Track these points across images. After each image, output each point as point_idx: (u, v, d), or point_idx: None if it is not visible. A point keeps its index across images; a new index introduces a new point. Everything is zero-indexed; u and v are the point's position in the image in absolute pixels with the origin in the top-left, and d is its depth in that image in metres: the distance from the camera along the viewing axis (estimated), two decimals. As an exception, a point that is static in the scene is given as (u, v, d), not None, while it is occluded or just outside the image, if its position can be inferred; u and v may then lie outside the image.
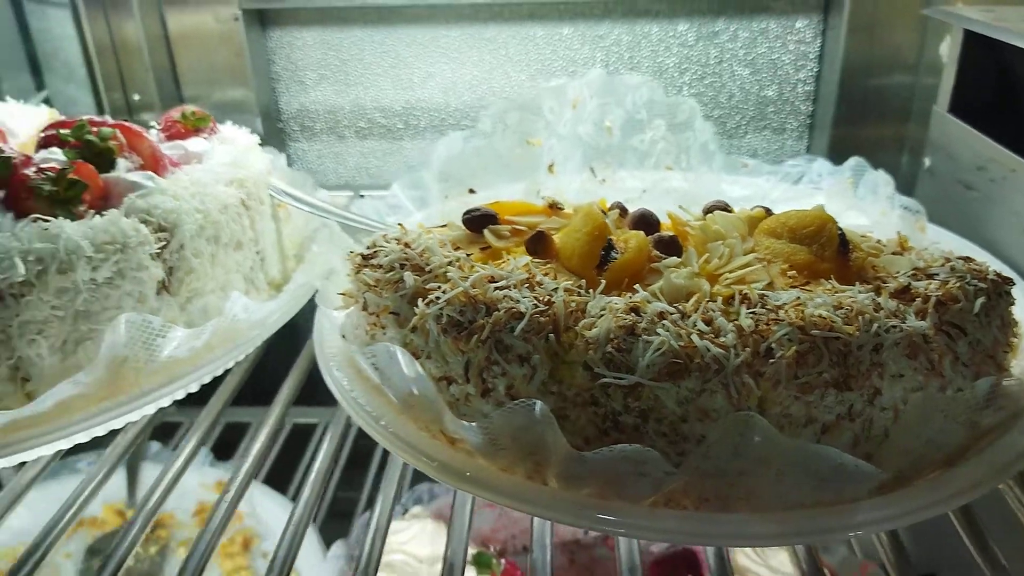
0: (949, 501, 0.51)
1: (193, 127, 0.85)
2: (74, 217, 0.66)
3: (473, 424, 0.53)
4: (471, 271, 0.59)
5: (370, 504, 1.22)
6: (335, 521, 1.26)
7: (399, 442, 0.58)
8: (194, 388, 0.70)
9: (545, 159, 0.94)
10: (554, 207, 0.72)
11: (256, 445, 0.72)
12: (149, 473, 1.23)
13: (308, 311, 0.81)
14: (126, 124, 0.77)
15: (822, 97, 1.35)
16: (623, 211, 0.70)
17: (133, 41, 1.25)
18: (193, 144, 0.82)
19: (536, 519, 0.62)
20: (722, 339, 0.51)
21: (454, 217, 0.94)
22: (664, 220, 0.70)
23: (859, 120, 1.31)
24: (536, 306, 0.54)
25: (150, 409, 0.67)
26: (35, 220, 0.63)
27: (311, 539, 1.13)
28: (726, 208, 0.69)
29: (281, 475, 1.36)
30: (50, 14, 1.72)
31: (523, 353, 0.53)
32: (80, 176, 0.67)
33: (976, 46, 0.93)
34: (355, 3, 1.27)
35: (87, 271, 0.62)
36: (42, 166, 0.67)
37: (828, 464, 0.48)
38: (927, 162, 1.02)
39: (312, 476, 0.68)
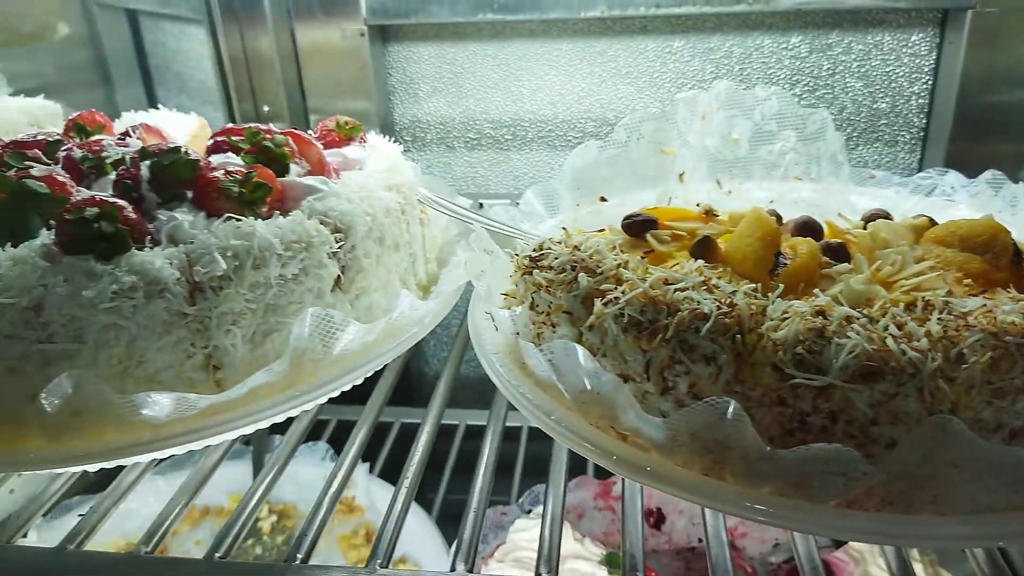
0: None
1: (347, 136, 0.90)
2: (258, 217, 0.70)
3: (659, 420, 0.55)
4: (646, 273, 0.61)
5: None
6: (453, 523, 1.29)
7: (575, 436, 0.60)
8: (359, 381, 0.74)
9: (676, 168, 0.96)
10: (709, 213, 0.73)
11: (415, 457, 0.75)
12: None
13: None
14: (295, 132, 0.81)
15: (937, 111, 1.33)
16: (778, 218, 0.71)
17: (266, 55, 1.32)
18: (351, 151, 0.86)
19: (708, 516, 0.63)
20: (916, 343, 0.51)
21: (585, 224, 0.97)
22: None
23: (976, 134, 1.29)
24: (719, 308, 0.56)
25: (323, 399, 0.71)
26: (228, 219, 0.68)
27: (435, 538, 1.16)
28: (887, 216, 0.70)
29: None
30: (167, 29, 1.82)
31: (709, 353, 0.55)
32: (263, 179, 0.72)
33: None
34: (472, 19, 1.32)
35: (277, 267, 0.66)
36: (228, 169, 0.72)
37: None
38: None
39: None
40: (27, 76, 1.74)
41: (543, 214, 0.97)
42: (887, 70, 1.33)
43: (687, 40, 1.34)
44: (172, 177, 0.71)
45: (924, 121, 1.36)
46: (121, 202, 0.65)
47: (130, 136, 0.84)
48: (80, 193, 0.72)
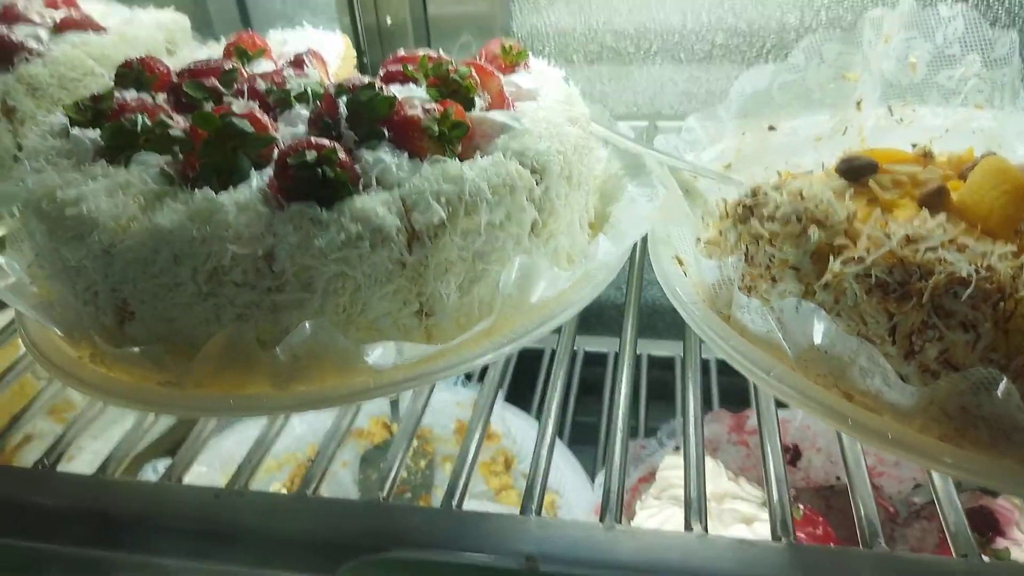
0: None
1: (513, 62, 0.86)
2: (455, 157, 0.69)
3: (910, 387, 0.54)
4: (884, 228, 0.58)
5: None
6: (582, 446, 1.33)
7: (802, 396, 0.60)
8: (553, 327, 0.74)
9: (855, 95, 0.91)
10: (927, 155, 0.70)
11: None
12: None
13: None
14: (476, 63, 0.78)
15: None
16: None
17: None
18: (522, 79, 0.83)
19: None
20: None
21: (749, 153, 0.93)
22: None
23: None
24: (978, 272, 0.54)
25: (521, 346, 0.71)
26: (435, 162, 0.66)
27: (575, 468, 1.20)
28: None
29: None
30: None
31: (968, 320, 0.54)
32: (460, 117, 0.70)
33: None
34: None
35: (487, 214, 0.65)
36: (425, 106, 0.70)
37: None
38: None
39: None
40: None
41: (705, 142, 0.94)
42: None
43: (835, -59, 1.24)
44: (369, 115, 0.69)
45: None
46: (338, 146, 0.64)
47: (306, 65, 0.81)
48: (279, 131, 0.71)
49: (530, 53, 0.89)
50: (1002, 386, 0.50)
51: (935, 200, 0.62)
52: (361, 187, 0.65)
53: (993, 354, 0.54)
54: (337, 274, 0.61)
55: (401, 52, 0.83)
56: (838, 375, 0.59)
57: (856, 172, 0.67)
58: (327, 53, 0.96)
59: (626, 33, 1.38)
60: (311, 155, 0.62)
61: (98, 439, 1.07)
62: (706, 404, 1.32)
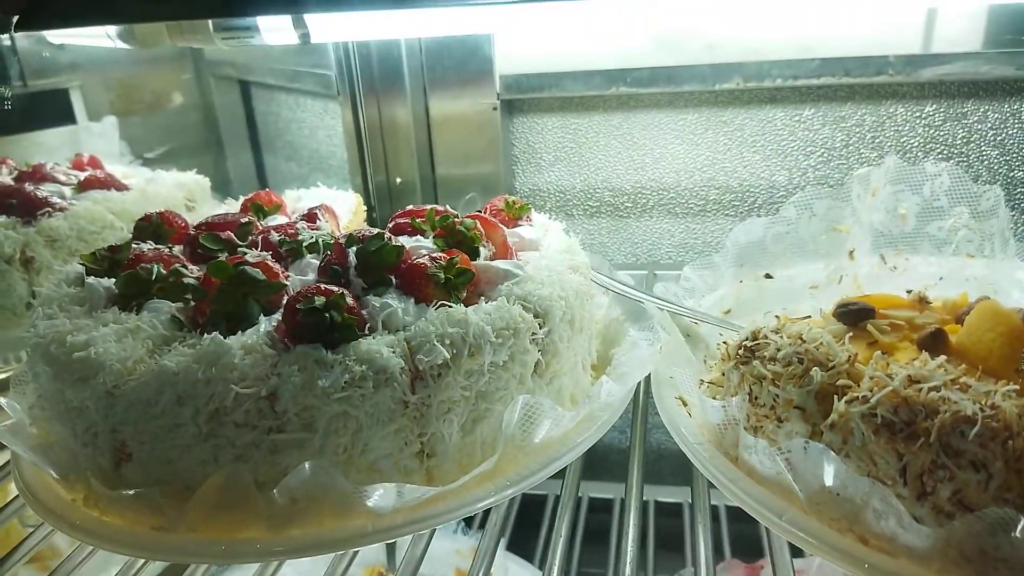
0: None
1: (516, 215, 0.91)
2: (460, 303, 0.71)
3: (926, 529, 0.52)
4: (886, 369, 0.59)
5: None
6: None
7: (816, 541, 0.58)
8: (556, 469, 0.73)
9: (847, 246, 0.94)
10: (923, 301, 0.71)
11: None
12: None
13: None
14: (480, 215, 0.82)
15: (1079, 179, 1.30)
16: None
17: (403, 126, 1.35)
18: (526, 232, 0.87)
19: None
20: None
21: (747, 300, 0.95)
22: None
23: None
24: (982, 409, 0.54)
25: (527, 488, 0.69)
26: (440, 306, 0.68)
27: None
28: (1119, 308, 0.67)
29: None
30: (279, 99, 1.89)
31: (978, 459, 0.53)
32: (465, 265, 0.72)
33: None
34: (604, 93, 1.34)
35: (490, 355, 0.66)
36: (432, 255, 0.73)
37: None
38: None
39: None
40: (142, 142, 1.83)
41: (703, 290, 0.97)
42: (1024, 139, 1.30)
43: (817, 108, 1.34)
44: (378, 263, 0.72)
45: (1065, 190, 1.32)
46: (346, 292, 0.66)
47: (319, 219, 0.86)
48: (289, 279, 0.73)
49: (532, 208, 0.94)
50: (1020, 527, 0.48)
51: (934, 342, 0.63)
52: (368, 331, 0.67)
53: (1008, 494, 0.53)
54: (339, 413, 0.61)
55: (410, 207, 0.88)
56: (852, 518, 0.57)
57: (854, 316, 0.69)
58: (339, 208, 1.01)
59: (623, 191, 1.46)
60: (320, 300, 0.64)
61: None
62: (717, 553, 1.26)
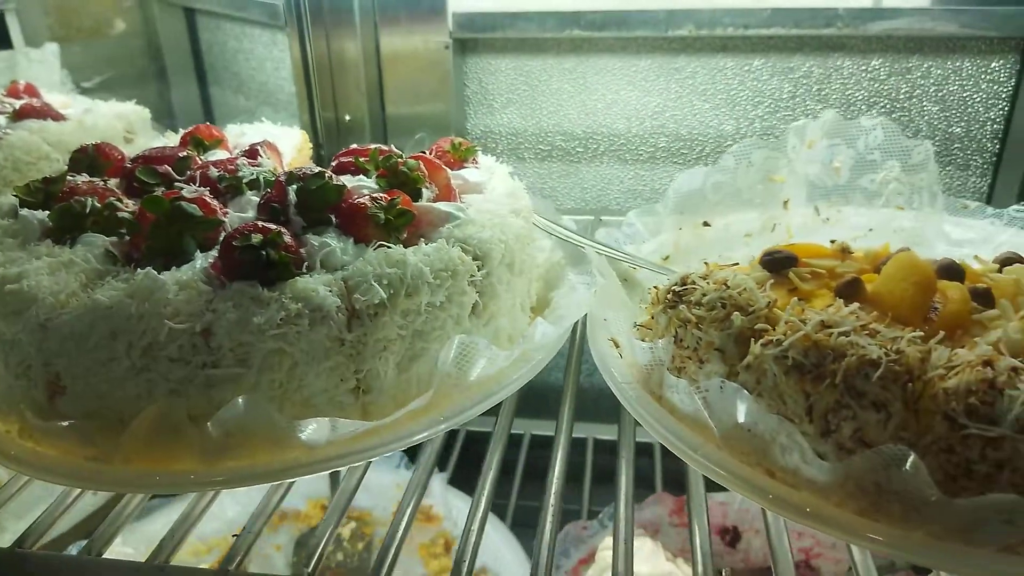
0: None
1: (462, 157, 0.91)
2: (400, 243, 0.71)
3: (826, 464, 0.56)
4: (801, 315, 0.62)
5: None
6: (527, 529, 1.31)
7: (725, 473, 0.61)
8: (490, 405, 0.75)
9: (782, 196, 0.97)
10: (845, 251, 0.74)
11: (556, 469, 0.75)
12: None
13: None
14: (424, 156, 0.82)
15: (1012, 137, 1.34)
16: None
17: (351, 62, 1.33)
18: (470, 174, 0.87)
19: (856, 554, 0.65)
20: (1091, 398, 0.53)
21: (686, 247, 0.98)
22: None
23: (1053, 161, 1.30)
24: (887, 354, 0.57)
25: (460, 424, 0.72)
26: (379, 247, 0.69)
27: (515, 549, 1.18)
28: (1022, 260, 0.71)
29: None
30: (225, 28, 1.83)
31: (879, 400, 0.56)
32: (406, 206, 0.73)
33: None
34: (558, 35, 1.33)
35: (427, 295, 0.68)
36: (373, 195, 0.73)
37: None
38: None
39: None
40: (82, 69, 1.76)
41: (644, 236, 0.99)
42: (964, 95, 1.34)
43: (767, 59, 1.35)
44: (318, 202, 0.72)
45: (998, 147, 1.37)
46: (283, 230, 0.66)
47: (260, 155, 0.85)
48: (227, 216, 0.73)
49: (479, 150, 0.94)
50: (910, 462, 0.52)
51: (850, 290, 0.66)
52: (305, 270, 0.67)
53: (904, 432, 0.57)
54: (274, 350, 0.62)
55: (354, 146, 0.87)
56: (760, 453, 0.61)
57: (778, 264, 0.71)
58: (283, 145, 1.00)
59: (574, 135, 1.46)
60: (257, 238, 0.64)
61: (22, 519, 1.03)
62: (649, 488, 1.32)
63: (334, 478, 1.28)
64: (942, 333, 0.60)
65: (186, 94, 1.97)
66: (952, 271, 0.68)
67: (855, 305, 0.63)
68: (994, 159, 1.38)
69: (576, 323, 0.85)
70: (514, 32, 1.31)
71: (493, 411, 0.76)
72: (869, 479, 0.56)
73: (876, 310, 0.65)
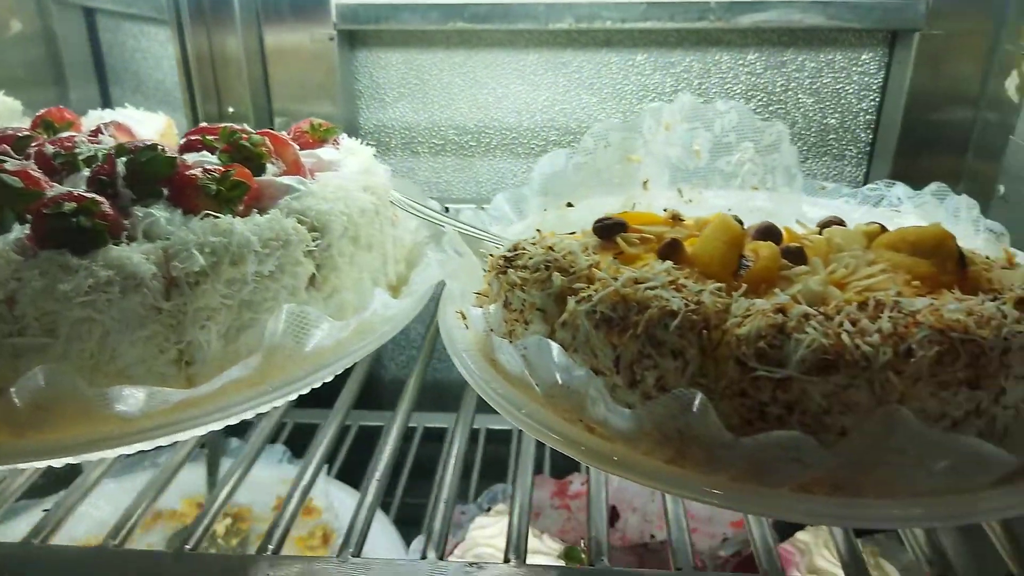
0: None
1: (320, 138, 0.91)
2: (235, 215, 0.71)
3: (627, 411, 0.57)
4: (617, 273, 0.63)
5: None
6: (412, 527, 1.30)
7: (544, 429, 0.62)
8: (330, 377, 0.75)
9: (640, 176, 1.00)
10: (676, 218, 0.76)
11: (384, 454, 0.76)
12: (225, 467, 1.28)
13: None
14: (271, 132, 0.82)
15: (884, 127, 1.40)
16: (740, 224, 0.75)
17: (233, 56, 1.32)
18: (325, 153, 0.87)
19: (670, 504, 0.66)
20: (868, 339, 0.55)
21: (551, 228, 0.99)
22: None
23: (920, 150, 1.36)
24: (687, 305, 0.59)
25: (294, 395, 0.71)
26: (205, 216, 0.68)
27: (393, 539, 1.17)
28: (841, 223, 0.74)
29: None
30: (125, 28, 1.80)
31: (676, 348, 0.58)
32: (241, 178, 0.73)
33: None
34: (442, 27, 1.34)
35: (254, 264, 0.67)
36: (206, 167, 0.72)
37: (965, 451, 0.52)
38: (1001, 189, 1.07)
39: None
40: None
41: (512, 218, 1.00)
42: (837, 87, 1.39)
43: (649, 54, 1.39)
44: (149, 174, 0.71)
45: (871, 136, 1.43)
46: (99, 197, 0.65)
47: (102, 133, 0.83)
48: (54, 188, 0.71)
49: (341, 132, 0.94)
50: (697, 402, 0.54)
51: (669, 251, 0.68)
52: (127, 240, 0.66)
53: (702, 379, 0.58)
54: (83, 319, 0.61)
55: (203, 124, 0.86)
56: (579, 409, 0.62)
57: (607, 230, 0.73)
58: (145, 130, 0.98)
59: (467, 129, 1.47)
60: (69, 206, 0.63)
61: None
62: (537, 470, 1.33)
63: (211, 476, 1.25)
64: (745, 286, 0.62)
65: (86, 94, 1.92)
66: (769, 233, 0.71)
67: (669, 263, 0.65)
68: (868, 148, 1.44)
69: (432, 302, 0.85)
70: (397, 24, 1.32)
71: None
72: (671, 426, 0.57)
73: (694, 269, 0.67)
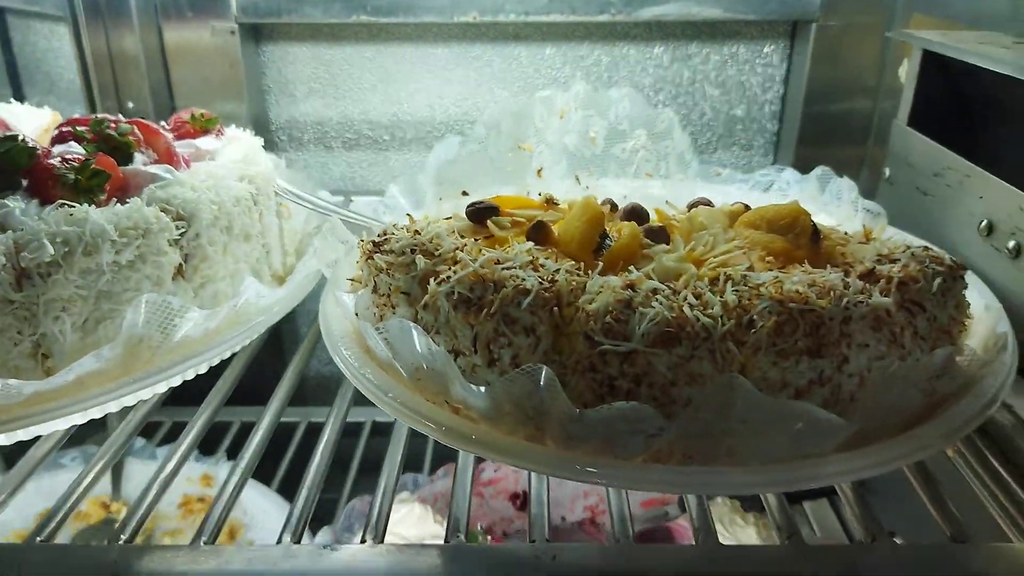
0: (908, 456, 0.57)
1: (202, 128, 0.89)
2: (96, 205, 0.69)
3: (481, 388, 0.57)
4: (479, 254, 0.63)
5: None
6: (315, 523, 1.29)
7: (407, 410, 0.62)
8: (203, 369, 0.74)
9: (534, 164, 1.00)
10: (550, 202, 0.77)
11: (253, 443, 0.74)
12: (133, 468, 1.25)
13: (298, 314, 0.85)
14: (142, 121, 0.81)
15: (787, 117, 1.43)
16: (614, 206, 0.76)
17: (131, 53, 1.29)
18: (204, 142, 0.86)
19: (534, 480, 0.66)
20: (710, 311, 0.56)
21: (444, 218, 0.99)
22: (651, 215, 0.76)
23: (822, 139, 1.40)
24: (541, 283, 0.59)
25: (162, 387, 0.70)
26: (61, 205, 0.67)
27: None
28: (709, 203, 0.76)
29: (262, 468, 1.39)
30: (35, 28, 1.75)
31: (528, 325, 0.58)
32: (102, 167, 0.71)
33: (933, 65, 1.02)
34: (347, 21, 1.33)
35: (111, 254, 0.66)
36: (66, 156, 0.71)
37: (802, 418, 0.54)
38: (887, 172, 1.10)
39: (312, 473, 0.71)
40: None
41: (406, 208, 0.99)
42: (742, 79, 1.42)
43: (558, 48, 1.40)
44: (8, 165, 0.69)
45: (776, 127, 1.46)
46: (-61, 186, 0.63)
47: (-33, 125, 0.81)
48: (-100, 179, 0.69)
49: (223, 121, 0.93)
50: (543, 376, 0.54)
51: (535, 233, 0.68)
52: (-25, 231, 0.64)
53: (556, 356, 0.59)
54: (-79, 311, 0.59)
55: (77, 115, 0.84)
56: (444, 390, 0.62)
57: (479, 214, 0.73)
58: (27, 125, 0.95)
59: (381, 123, 1.46)
60: (-93, 195, 0.61)
61: None
62: (451, 460, 1.33)
63: (116, 475, 1.22)
64: (601, 264, 0.63)
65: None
66: (636, 213, 0.72)
67: (531, 244, 0.66)
68: (774, 138, 1.47)
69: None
70: (300, 17, 1.31)
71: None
72: (527, 404, 0.57)
73: (559, 250, 0.68)
